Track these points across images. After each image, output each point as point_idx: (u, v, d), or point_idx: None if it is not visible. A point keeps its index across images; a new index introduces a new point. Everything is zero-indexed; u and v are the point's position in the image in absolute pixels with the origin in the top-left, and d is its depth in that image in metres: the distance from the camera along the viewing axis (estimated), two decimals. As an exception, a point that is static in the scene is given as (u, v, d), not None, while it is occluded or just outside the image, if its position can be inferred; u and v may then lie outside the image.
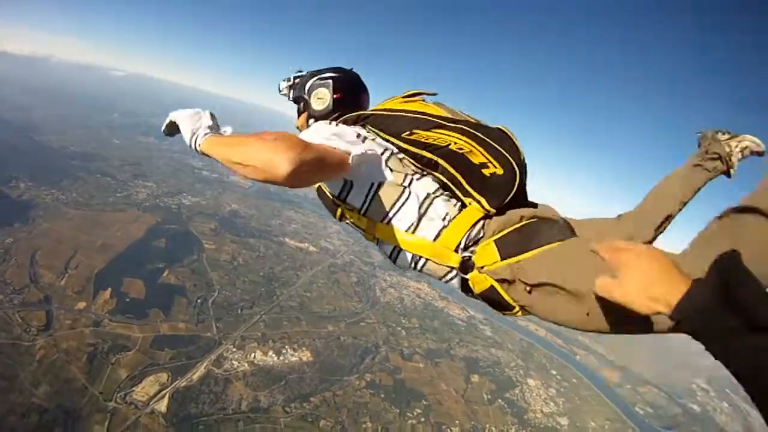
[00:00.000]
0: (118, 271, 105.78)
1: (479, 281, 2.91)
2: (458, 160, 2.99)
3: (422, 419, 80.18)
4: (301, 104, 4.27)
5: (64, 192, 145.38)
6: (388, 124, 3.24)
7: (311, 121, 4.02)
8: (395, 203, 3.08)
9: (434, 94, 3.65)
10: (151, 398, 77.90)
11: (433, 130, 3.10)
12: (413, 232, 3.05)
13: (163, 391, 78.98)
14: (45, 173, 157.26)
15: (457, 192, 3.04)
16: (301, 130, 4.07)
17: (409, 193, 3.08)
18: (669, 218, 3.42)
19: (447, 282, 3.23)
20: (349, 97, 3.97)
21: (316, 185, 3.54)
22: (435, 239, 2.99)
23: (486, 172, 2.97)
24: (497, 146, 3.05)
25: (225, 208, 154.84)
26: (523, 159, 3.13)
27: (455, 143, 3.01)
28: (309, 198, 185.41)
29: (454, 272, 3.08)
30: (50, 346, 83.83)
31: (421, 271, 3.28)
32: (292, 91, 4.38)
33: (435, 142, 3.05)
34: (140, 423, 73.90)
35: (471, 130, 3.10)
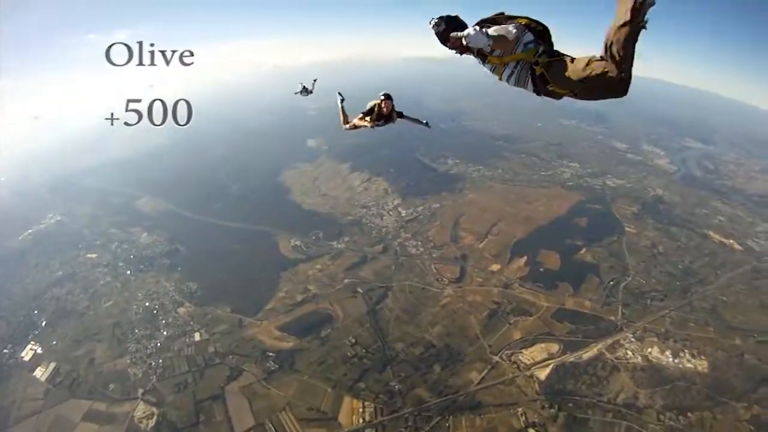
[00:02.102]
0: (536, 242, 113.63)
1: (538, 70, 8.12)
2: (527, 24, 8.25)
3: None
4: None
5: (490, 168, 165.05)
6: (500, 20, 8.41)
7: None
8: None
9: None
10: (535, 363, 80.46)
11: (515, 17, 8.32)
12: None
13: (549, 361, 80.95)
14: (471, 152, 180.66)
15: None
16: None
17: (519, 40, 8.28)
18: None
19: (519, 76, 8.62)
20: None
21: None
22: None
23: (534, 25, 8.20)
24: (531, 17, 8.25)
25: (649, 193, 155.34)
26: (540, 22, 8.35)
27: (520, 19, 8.28)
28: (737, 189, 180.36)
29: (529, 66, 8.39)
30: (456, 297, 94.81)
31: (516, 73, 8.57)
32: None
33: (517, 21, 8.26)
34: (515, 382, 76.75)
35: (521, 15, 8.37)
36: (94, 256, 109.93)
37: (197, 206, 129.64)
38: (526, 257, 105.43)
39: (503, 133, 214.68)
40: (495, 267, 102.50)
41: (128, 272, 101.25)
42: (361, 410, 71.83)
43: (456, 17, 8.78)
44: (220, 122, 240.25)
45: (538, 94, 8.46)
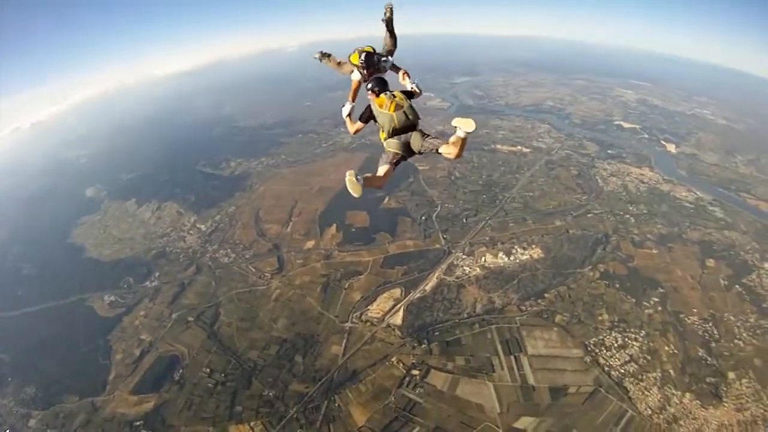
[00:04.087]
0: (339, 208, 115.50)
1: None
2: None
3: (659, 308, 78.13)
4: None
5: (272, 157, 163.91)
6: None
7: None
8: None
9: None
10: (385, 314, 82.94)
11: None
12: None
13: (397, 306, 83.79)
14: (249, 148, 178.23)
15: None
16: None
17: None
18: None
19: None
20: None
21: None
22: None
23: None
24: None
25: (430, 131, 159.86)
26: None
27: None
28: (510, 105, 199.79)
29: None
30: (285, 285, 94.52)
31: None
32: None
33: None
34: (376, 337, 78.90)
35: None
36: None
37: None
38: (335, 225, 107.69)
39: (275, 121, 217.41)
40: (309, 244, 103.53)
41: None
42: (251, 432, 69.14)
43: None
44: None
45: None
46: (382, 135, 12.53)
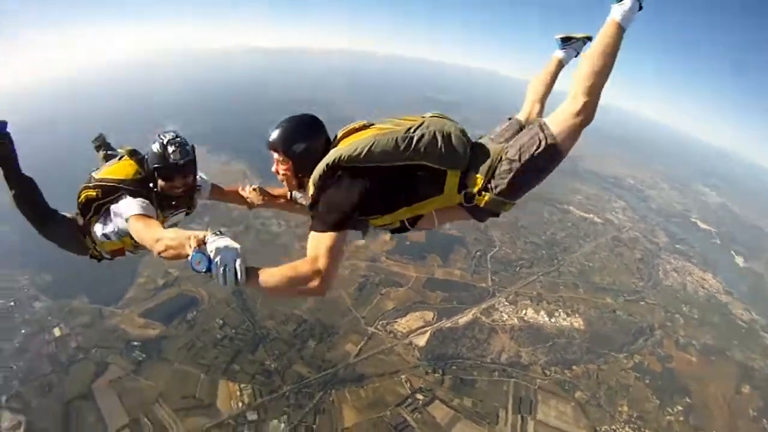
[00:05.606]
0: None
1: None
2: None
3: (681, 418, 72.82)
4: None
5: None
6: None
7: None
8: None
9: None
10: (411, 331, 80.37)
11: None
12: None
13: (426, 328, 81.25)
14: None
15: None
16: None
17: None
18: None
19: None
20: None
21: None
22: None
23: None
24: None
25: None
26: None
27: None
28: (593, 171, 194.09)
29: None
30: None
31: None
32: None
33: None
34: (394, 351, 76.11)
35: None
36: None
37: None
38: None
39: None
40: (360, 241, 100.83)
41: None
42: (238, 393, 65.79)
43: None
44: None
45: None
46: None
